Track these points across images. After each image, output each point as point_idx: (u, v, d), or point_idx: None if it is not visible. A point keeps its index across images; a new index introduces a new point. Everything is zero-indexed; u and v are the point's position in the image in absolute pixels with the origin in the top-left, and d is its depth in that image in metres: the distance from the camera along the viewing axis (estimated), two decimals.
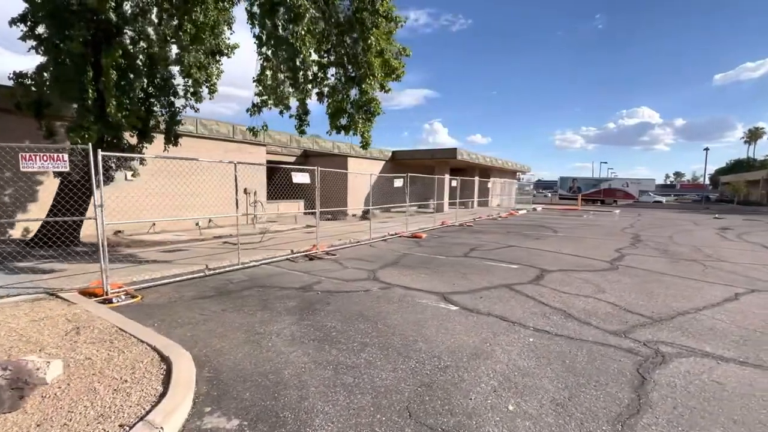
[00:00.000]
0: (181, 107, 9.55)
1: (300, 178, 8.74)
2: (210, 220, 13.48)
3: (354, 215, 18.81)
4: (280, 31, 5.65)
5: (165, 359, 3.30)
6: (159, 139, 9.29)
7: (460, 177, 23.59)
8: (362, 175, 20.02)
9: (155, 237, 10.93)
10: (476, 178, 27.95)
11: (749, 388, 3.13)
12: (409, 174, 13.91)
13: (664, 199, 49.75)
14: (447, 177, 22.78)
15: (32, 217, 9.42)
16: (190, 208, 13.06)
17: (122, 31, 6.68)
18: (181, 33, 6.93)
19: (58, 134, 8.11)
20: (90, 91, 6.62)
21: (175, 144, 8.09)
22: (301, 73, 5.95)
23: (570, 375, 3.29)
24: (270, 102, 6.47)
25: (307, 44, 5.42)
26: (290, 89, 6.33)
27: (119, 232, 11.09)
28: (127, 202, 11.14)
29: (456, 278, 6.67)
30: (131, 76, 7.05)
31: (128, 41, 6.97)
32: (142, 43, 7.34)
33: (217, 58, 8.18)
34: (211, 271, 6.59)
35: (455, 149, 21.03)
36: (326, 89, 7.01)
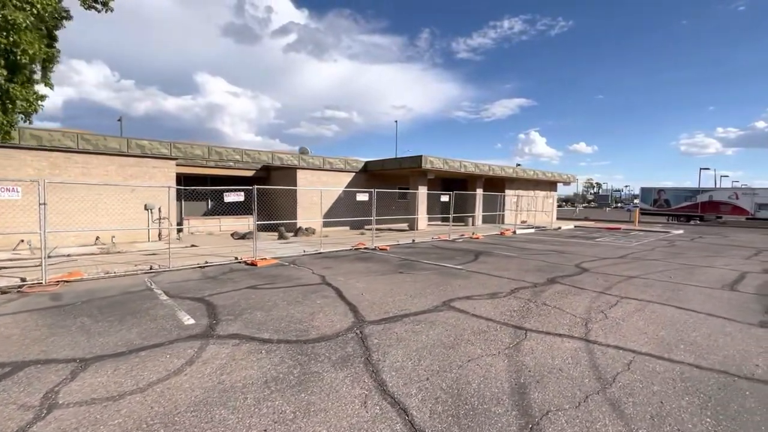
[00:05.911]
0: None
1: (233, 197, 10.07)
2: (113, 237, 13.12)
3: (290, 232, 17.10)
4: None
5: None
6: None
7: (459, 190, 20.28)
8: (318, 189, 18.31)
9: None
10: (479, 191, 24.07)
11: None
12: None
13: None
14: (421, 190, 19.73)
15: None
16: (70, 225, 12.95)
17: None
18: None
19: None
20: None
21: None
22: None
23: None
24: None
25: None
26: None
27: None
28: None
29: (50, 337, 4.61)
30: None
31: None
32: None
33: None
34: None
35: (420, 157, 17.97)
36: None
